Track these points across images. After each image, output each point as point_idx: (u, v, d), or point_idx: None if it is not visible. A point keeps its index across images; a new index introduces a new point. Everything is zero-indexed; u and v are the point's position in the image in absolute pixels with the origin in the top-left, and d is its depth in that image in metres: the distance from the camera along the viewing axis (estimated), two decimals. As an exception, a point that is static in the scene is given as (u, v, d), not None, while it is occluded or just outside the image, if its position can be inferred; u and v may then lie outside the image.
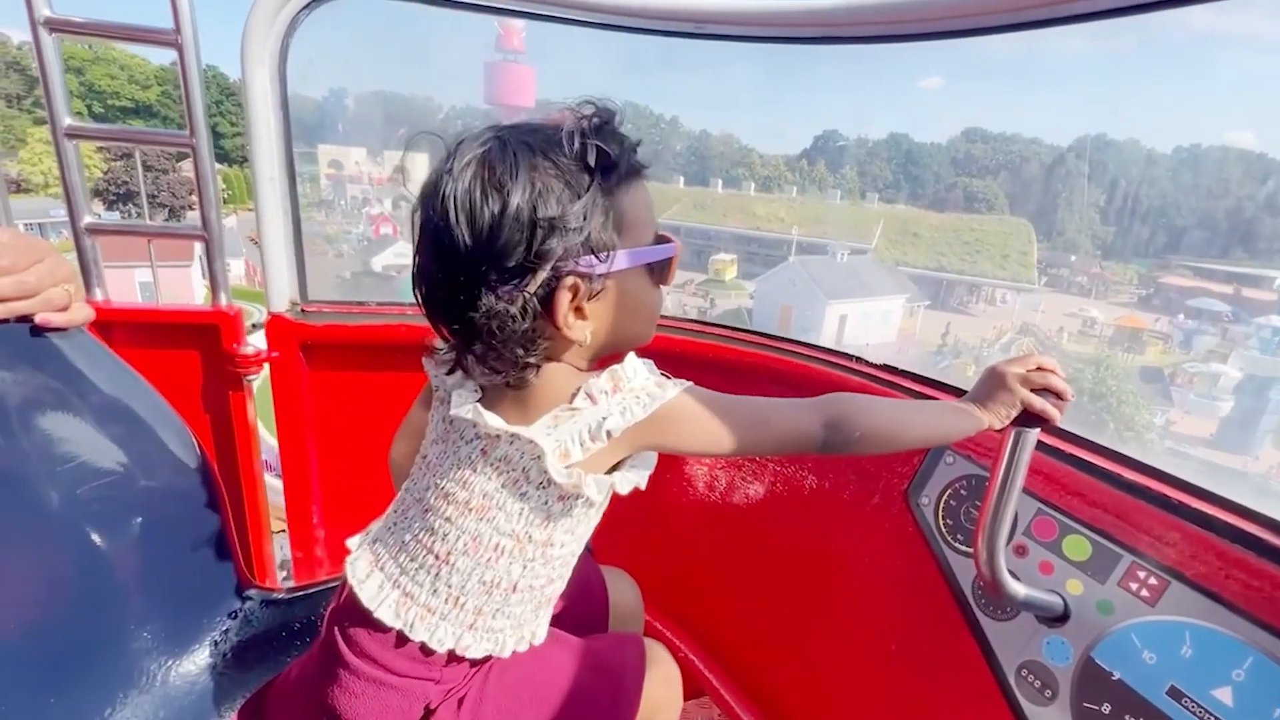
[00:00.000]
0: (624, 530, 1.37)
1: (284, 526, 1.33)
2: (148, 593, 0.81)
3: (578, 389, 0.58)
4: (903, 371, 1.09)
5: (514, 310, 0.53)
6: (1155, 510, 0.73)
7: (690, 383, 0.61)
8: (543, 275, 0.52)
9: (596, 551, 1.04)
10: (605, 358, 0.63)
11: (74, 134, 1.02)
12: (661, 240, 0.61)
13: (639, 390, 0.58)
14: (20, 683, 0.65)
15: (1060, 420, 0.69)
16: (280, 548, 1.44)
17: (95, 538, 0.75)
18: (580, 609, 0.86)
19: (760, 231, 42.80)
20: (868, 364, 1.13)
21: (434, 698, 0.63)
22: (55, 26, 0.97)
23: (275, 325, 1.20)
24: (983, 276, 37.02)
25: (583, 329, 0.57)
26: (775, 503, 1.24)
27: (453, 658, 0.63)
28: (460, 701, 0.65)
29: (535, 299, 0.53)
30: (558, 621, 0.82)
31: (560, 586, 0.68)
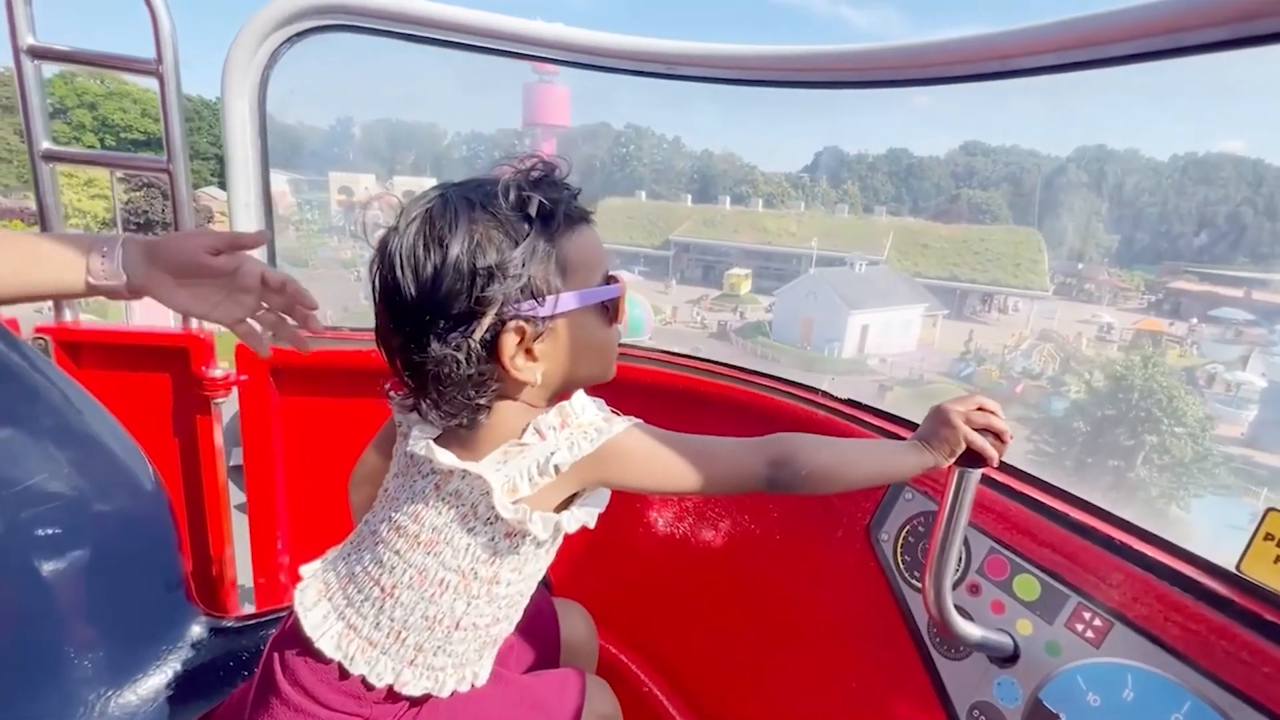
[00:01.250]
0: (585, 559, 1.36)
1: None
2: (93, 620, 0.79)
3: (527, 425, 0.59)
4: (865, 406, 1.10)
5: (460, 356, 0.55)
6: (1100, 551, 0.74)
7: (639, 420, 0.62)
8: (487, 321, 0.54)
9: (555, 580, 1.04)
10: (565, 394, 0.64)
11: (51, 157, 1.04)
12: (609, 281, 0.63)
13: (586, 426, 0.59)
14: None
15: (997, 461, 0.70)
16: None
17: (39, 564, 0.74)
18: (530, 642, 0.85)
19: (772, 246, 43.23)
20: (832, 398, 1.15)
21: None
22: (38, 54, 0.99)
23: (245, 348, 1.20)
24: (996, 285, 37.21)
25: (533, 370, 0.59)
26: (739, 534, 1.24)
27: (390, 694, 0.62)
28: None
29: (481, 344, 0.55)
30: (506, 654, 0.81)
31: (507, 628, 0.68)
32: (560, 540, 0.66)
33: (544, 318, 0.57)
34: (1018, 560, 0.81)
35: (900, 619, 0.93)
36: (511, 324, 0.56)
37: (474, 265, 0.54)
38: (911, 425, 1.03)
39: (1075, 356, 26.90)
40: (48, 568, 0.75)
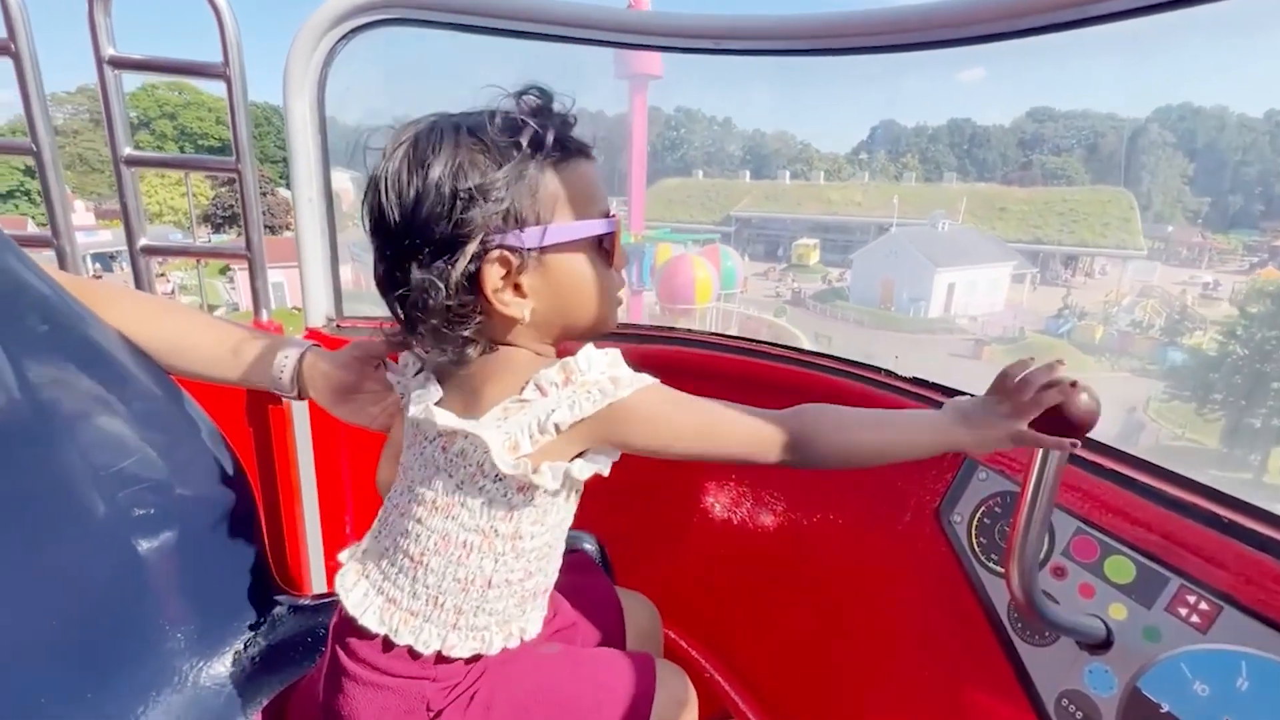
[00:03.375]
0: (645, 546, 1.36)
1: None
2: (183, 596, 0.83)
3: (529, 379, 0.58)
4: (932, 384, 1.06)
5: (440, 283, 0.54)
6: (1206, 530, 0.68)
7: (652, 380, 0.59)
8: (471, 249, 0.53)
9: (618, 569, 1.03)
10: (570, 345, 0.62)
11: (132, 161, 1.10)
12: (615, 222, 0.61)
13: (590, 385, 0.57)
14: (59, 678, 0.67)
15: (1090, 429, 0.65)
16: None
17: (134, 542, 0.78)
18: (596, 630, 0.85)
19: (838, 216, 42.30)
20: (896, 377, 1.10)
21: (433, 697, 0.63)
22: (117, 63, 1.04)
23: (312, 340, 1.25)
24: (1083, 246, 35.36)
25: (520, 306, 0.57)
26: (801, 519, 1.21)
27: (441, 658, 0.63)
28: (469, 701, 0.65)
29: (464, 275, 0.54)
30: (573, 639, 0.81)
31: (544, 580, 0.68)
32: (580, 489, 0.65)
33: (530, 249, 0.55)
34: (1109, 541, 0.76)
35: (976, 604, 0.88)
36: (495, 253, 0.54)
37: (455, 187, 0.52)
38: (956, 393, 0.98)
39: (1184, 312, 25.43)
40: (143, 546, 0.79)
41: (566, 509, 0.66)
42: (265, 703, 0.78)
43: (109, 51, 1.04)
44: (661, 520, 1.35)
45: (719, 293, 18.23)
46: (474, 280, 0.55)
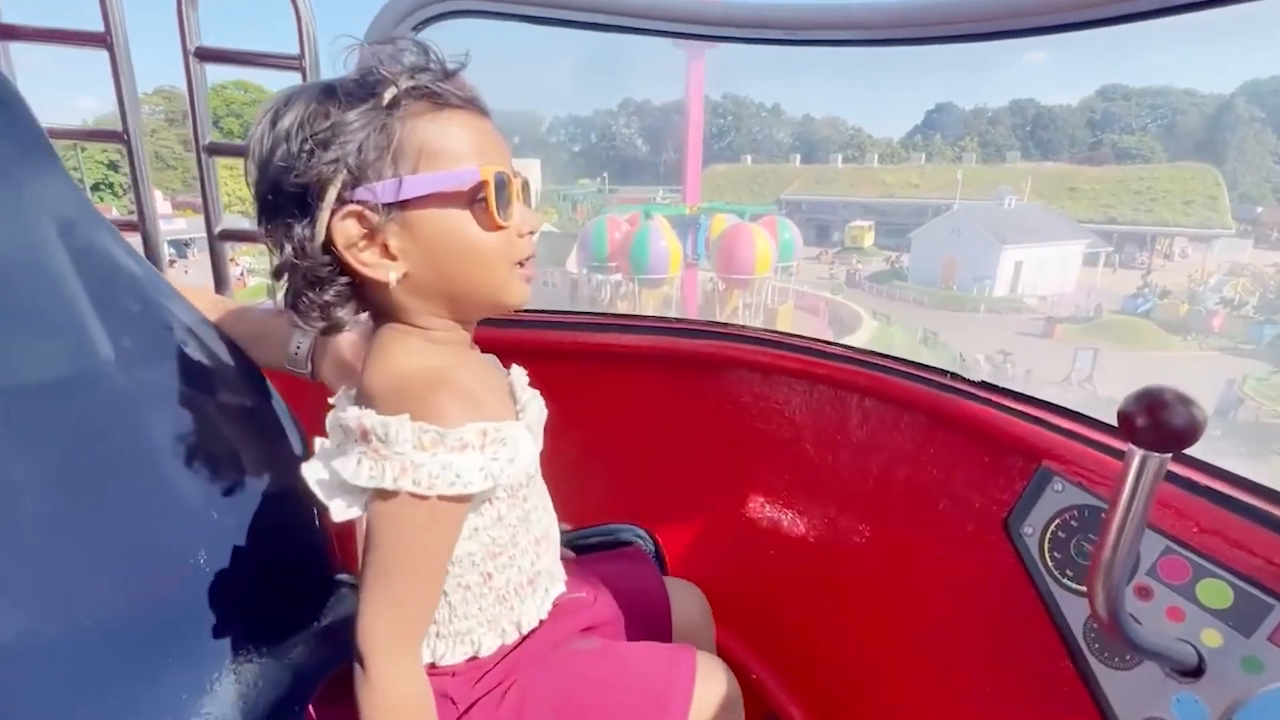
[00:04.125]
0: (699, 542, 1.34)
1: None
2: (249, 573, 0.86)
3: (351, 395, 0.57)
4: (1003, 389, 1.01)
5: (293, 244, 0.52)
6: (1317, 557, 0.63)
7: (425, 491, 0.51)
8: (326, 204, 0.51)
9: (671, 565, 1.03)
10: (461, 315, 0.59)
11: (214, 150, 1.14)
12: (500, 176, 0.54)
13: (381, 451, 0.51)
14: (125, 653, 0.69)
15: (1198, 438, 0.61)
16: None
17: (209, 518, 0.81)
18: (640, 621, 0.84)
19: (894, 199, 41.33)
20: (962, 379, 1.06)
21: (454, 691, 0.63)
22: (203, 55, 1.08)
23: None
24: (1163, 225, 33.43)
25: (385, 268, 0.53)
26: (860, 524, 1.18)
27: (435, 669, 0.63)
28: (501, 699, 0.64)
29: (320, 233, 0.51)
30: (614, 631, 0.80)
31: (517, 575, 0.65)
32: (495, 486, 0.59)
33: (387, 204, 0.51)
34: (1202, 563, 0.71)
35: (1048, 621, 0.84)
36: (349, 208, 0.51)
37: (304, 136, 0.50)
38: (1063, 411, 0.94)
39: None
40: (216, 522, 0.82)
41: (494, 511, 0.61)
42: (327, 679, 0.80)
43: (196, 44, 1.08)
44: (716, 515, 1.34)
45: (777, 265, 17.89)
46: (330, 240, 0.52)
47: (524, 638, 0.68)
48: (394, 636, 0.55)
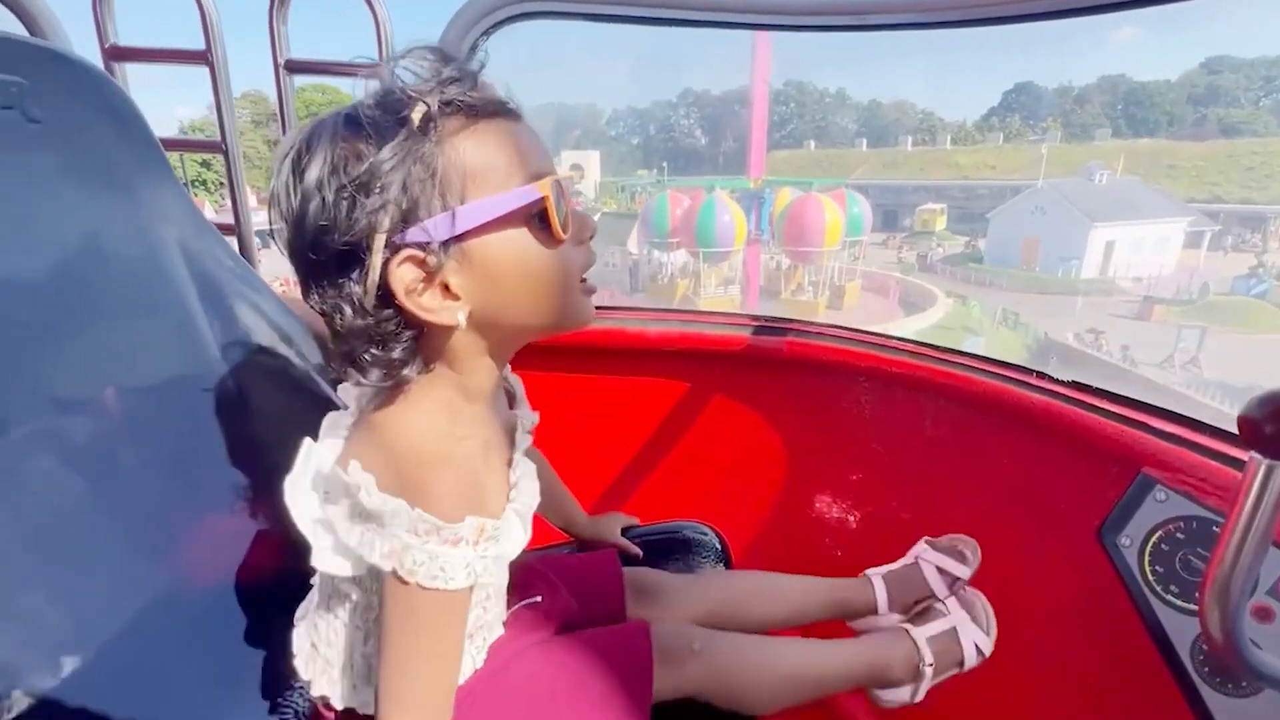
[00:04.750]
0: (766, 544, 1.33)
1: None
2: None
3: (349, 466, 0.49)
4: (1096, 390, 0.95)
5: (352, 304, 0.46)
6: None
7: (438, 584, 0.48)
8: (376, 255, 0.45)
9: (735, 554, 1.01)
10: (523, 343, 0.55)
11: (301, 156, 1.21)
12: (557, 186, 0.49)
13: (380, 533, 0.48)
14: (247, 614, 0.74)
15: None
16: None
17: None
18: (595, 606, 0.78)
19: (968, 181, 39.58)
20: (1050, 379, 1.00)
21: None
22: (292, 67, 1.15)
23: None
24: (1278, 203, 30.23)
25: (452, 310, 0.48)
26: (937, 525, 1.13)
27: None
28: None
29: (374, 286, 0.46)
30: (568, 624, 0.74)
31: (488, 607, 0.61)
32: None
33: (444, 242, 0.46)
34: (1335, 585, 0.64)
35: (1149, 640, 0.79)
36: (402, 253, 0.45)
37: (339, 185, 0.44)
38: (1166, 414, 0.87)
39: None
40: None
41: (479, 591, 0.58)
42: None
43: (285, 57, 1.14)
44: (783, 515, 1.32)
45: (845, 239, 17.36)
46: (389, 290, 0.46)
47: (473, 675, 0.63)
48: (427, 701, 0.52)
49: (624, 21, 1.21)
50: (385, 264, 0.46)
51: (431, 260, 0.46)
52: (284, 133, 1.19)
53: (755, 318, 1.28)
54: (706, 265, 18.26)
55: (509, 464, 0.59)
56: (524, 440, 0.63)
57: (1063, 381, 0.99)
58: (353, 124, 0.46)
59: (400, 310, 0.47)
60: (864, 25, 1.13)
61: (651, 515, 1.01)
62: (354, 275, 0.46)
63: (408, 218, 0.45)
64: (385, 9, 1.14)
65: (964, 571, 0.86)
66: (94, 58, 1.10)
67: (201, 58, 1.14)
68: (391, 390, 0.52)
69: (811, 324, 1.24)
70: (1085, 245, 24.69)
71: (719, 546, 0.96)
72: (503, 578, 0.57)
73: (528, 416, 0.67)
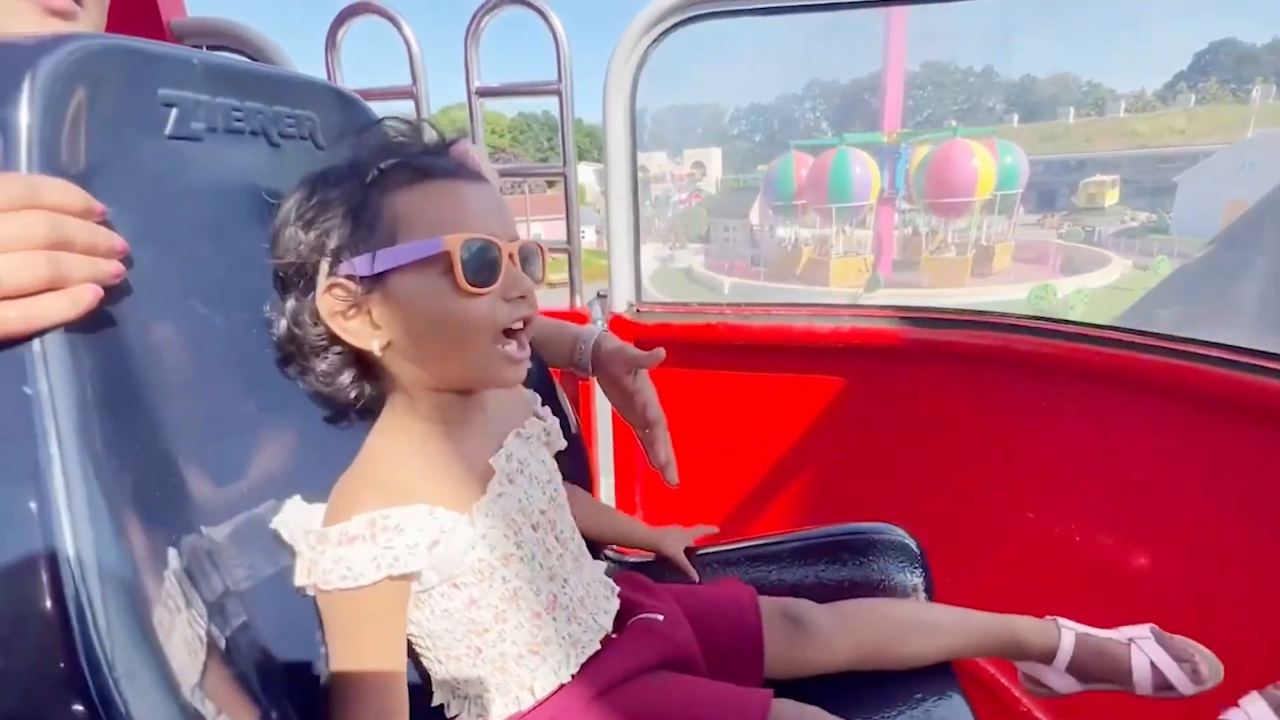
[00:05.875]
0: (965, 559, 1.23)
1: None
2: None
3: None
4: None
5: (287, 316, 0.56)
6: None
7: (351, 584, 0.53)
8: (320, 280, 0.54)
9: (936, 578, 0.95)
10: (452, 385, 0.60)
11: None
12: (474, 243, 0.54)
13: (316, 550, 0.54)
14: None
15: None
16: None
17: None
18: (724, 656, 0.74)
19: (1149, 149, 35.04)
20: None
21: None
22: (483, 93, 1.26)
23: (616, 324, 1.37)
24: None
25: (368, 336, 0.55)
26: (1172, 560, 0.99)
27: None
28: None
29: (308, 305, 0.55)
30: (691, 665, 0.71)
31: (511, 647, 0.62)
32: (484, 569, 0.59)
33: (364, 276, 0.53)
34: None
35: None
36: (334, 279, 0.54)
37: (297, 218, 0.55)
38: None
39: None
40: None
41: (463, 595, 0.59)
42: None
43: (477, 84, 1.25)
44: (986, 526, 1.22)
45: (997, 191, 15.80)
46: (320, 311, 0.55)
47: (582, 670, 0.65)
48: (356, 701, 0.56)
49: (785, 13, 1.19)
50: (320, 288, 0.55)
51: (356, 289, 0.54)
52: (474, 153, 1.31)
53: (954, 311, 1.20)
54: (837, 226, 17.13)
55: (488, 463, 0.63)
56: (516, 443, 0.66)
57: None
58: (323, 175, 0.57)
59: (327, 328, 0.56)
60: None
61: (839, 516, 0.98)
62: (298, 294, 0.56)
63: (341, 253, 0.54)
64: (564, 32, 1.22)
65: (1188, 689, 0.74)
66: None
67: (407, 93, 1.29)
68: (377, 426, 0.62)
69: (1018, 317, 1.13)
70: (1311, 203, 20.20)
71: (916, 551, 0.90)
72: (452, 560, 0.58)
73: (528, 421, 0.71)
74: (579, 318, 1.40)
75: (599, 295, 1.39)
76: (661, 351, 0.81)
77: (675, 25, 1.18)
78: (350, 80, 1.32)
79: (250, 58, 1.32)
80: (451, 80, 1.32)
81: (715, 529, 0.96)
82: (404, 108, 1.34)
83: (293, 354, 0.58)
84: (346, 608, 0.54)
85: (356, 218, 0.54)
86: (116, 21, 0.62)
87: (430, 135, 0.60)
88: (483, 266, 0.54)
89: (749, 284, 21.06)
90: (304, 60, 1.32)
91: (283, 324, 0.56)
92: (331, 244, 0.54)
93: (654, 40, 1.20)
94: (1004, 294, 16.68)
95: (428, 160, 0.57)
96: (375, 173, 0.55)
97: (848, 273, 18.69)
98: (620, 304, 1.37)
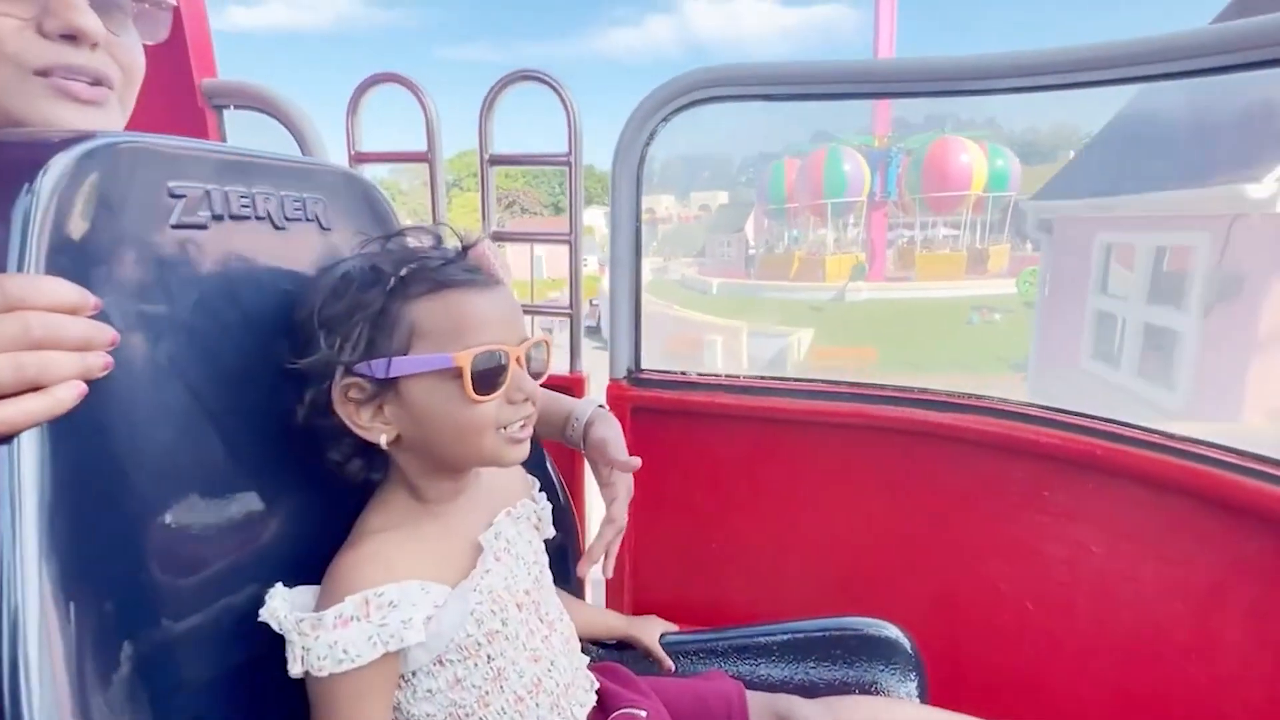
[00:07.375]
0: (962, 653, 1.19)
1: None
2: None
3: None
4: None
5: (304, 405, 0.58)
6: None
7: (340, 668, 0.53)
8: (338, 376, 0.57)
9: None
10: (457, 470, 0.63)
11: (498, 236, 1.35)
12: (483, 356, 0.57)
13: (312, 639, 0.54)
14: None
15: None
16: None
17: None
18: None
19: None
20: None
21: None
22: (494, 161, 1.30)
23: (614, 390, 1.37)
24: None
25: (379, 431, 0.58)
26: (1186, 684, 0.95)
27: None
28: None
29: (325, 395, 0.58)
30: None
31: (503, 706, 0.62)
32: (470, 654, 0.60)
33: (379, 379, 0.57)
34: None
35: None
36: (350, 379, 0.57)
37: (318, 316, 0.57)
38: None
39: None
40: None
41: (448, 673, 0.60)
42: None
43: (490, 152, 1.29)
44: (983, 623, 1.18)
45: (989, 192, 16.36)
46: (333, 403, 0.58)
47: None
48: None
49: (795, 99, 1.23)
50: (338, 383, 0.58)
51: (371, 389, 0.58)
52: (484, 217, 1.34)
53: (956, 395, 1.19)
54: (833, 222, 17.62)
55: (478, 539, 0.65)
56: (506, 521, 0.68)
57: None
58: (347, 276, 0.60)
59: (341, 421, 0.59)
60: (1063, 84, 1.06)
61: (833, 599, 0.95)
62: (316, 386, 0.58)
63: (356, 355, 0.57)
64: (576, 107, 1.26)
65: None
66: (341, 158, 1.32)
67: (422, 157, 1.33)
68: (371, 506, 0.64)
69: (1024, 405, 1.12)
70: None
71: (910, 651, 0.87)
72: (444, 636, 0.59)
73: (521, 502, 0.73)
74: (577, 382, 1.40)
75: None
76: (638, 460, 0.84)
77: (684, 106, 1.22)
78: (370, 142, 1.37)
79: (277, 119, 1.37)
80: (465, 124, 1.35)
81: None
82: (420, 170, 1.38)
83: (307, 441, 0.60)
84: (343, 690, 0.55)
85: (375, 324, 0.57)
86: (149, 82, 0.64)
87: (451, 241, 0.65)
88: (490, 374, 0.58)
89: (737, 283, 21.67)
90: (331, 124, 1.37)
91: (300, 414, 0.59)
92: (349, 346, 0.57)
93: (663, 119, 1.24)
94: (997, 288, 17.18)
95: (445, 272, 0.60)
96: (395, 280, 0.58)
97: (842, 269, 19.70)
98: (619, 370, 1.37)
